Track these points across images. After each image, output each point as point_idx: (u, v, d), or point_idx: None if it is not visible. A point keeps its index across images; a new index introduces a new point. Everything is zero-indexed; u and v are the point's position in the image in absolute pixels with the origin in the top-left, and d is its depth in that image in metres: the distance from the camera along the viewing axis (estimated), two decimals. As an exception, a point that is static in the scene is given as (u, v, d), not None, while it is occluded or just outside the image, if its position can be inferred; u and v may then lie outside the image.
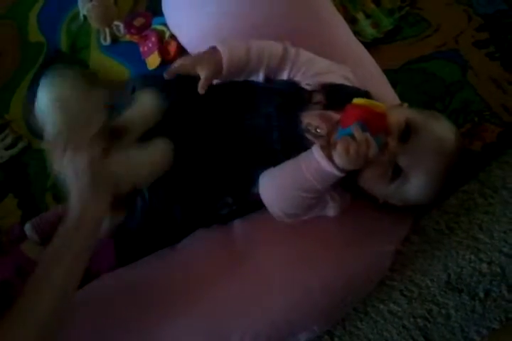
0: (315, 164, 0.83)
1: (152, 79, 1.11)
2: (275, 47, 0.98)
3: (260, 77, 1.00)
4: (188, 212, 1.00)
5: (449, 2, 1.41)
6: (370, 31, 1.34)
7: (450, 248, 1.07)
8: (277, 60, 0.98)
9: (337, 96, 0.95)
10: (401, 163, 0.86)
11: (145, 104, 0.89)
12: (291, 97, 0.95)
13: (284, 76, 1.00)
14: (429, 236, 1.09)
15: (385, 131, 0.84)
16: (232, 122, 0.96)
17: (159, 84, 1.08)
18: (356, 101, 0.85)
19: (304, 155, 0.86)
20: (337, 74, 1.00)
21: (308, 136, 0.91)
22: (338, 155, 0.80)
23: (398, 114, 0.89)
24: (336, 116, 0.91)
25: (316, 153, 0.83)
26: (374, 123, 0.82)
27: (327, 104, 0.94)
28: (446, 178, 0.89)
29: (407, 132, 0.86)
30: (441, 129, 0.91)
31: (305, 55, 1.00)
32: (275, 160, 0.91)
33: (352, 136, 0.80)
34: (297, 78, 1.00)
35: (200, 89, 0.93)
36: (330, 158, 0.81)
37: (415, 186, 0.88)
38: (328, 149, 0.82)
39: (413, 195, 0.89)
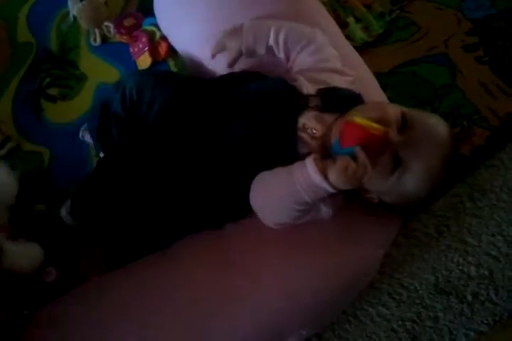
0: (307, 178, 0.80)
1: (146, 77, 1.11)
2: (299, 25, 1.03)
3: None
4: (178, 222, 1.01)
5: (439, 6, 1.42)
6: (360, 35, 1.34)
7: (438, 251, 1.08)
8: (298, 34, 1.01)
9: (332, 99, 0.95)
10: (400, 153, 0.86)
11: None
12: (290, 102, 0.95)
13: (295, 51, 1.02)
14: (417, 239, 1.10)
15: (381, 154, 0.85)
16: (225, 128, 0.96)
17: (152, 82, 1.09)
18: (358, 120, 0.83)
19: (296, 166, 0.84)
20: (338, 64, 1.02)
21: (303, 136, 0.92)
22: (335, 173, 0.78)
23: (394, 107, 0.91)
24: (330, 119, 0.92)
25: (309, 166, 0.80)
26: (372, 147, 0.81)
27: (322, 108, 0.95)
28: (444, 171, 0.90)
29: (404, 124, 0.88)
30: (435, 121, 0.93)
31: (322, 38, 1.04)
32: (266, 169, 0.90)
33: (353, 157, 0.79)
34: (303, 58, 1.02)
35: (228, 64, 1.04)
36: (323, 173, 0.79)
37: (414, 176, 0.87)
38: (321, 163, 0.81)
39: (412, 187, 0.89)
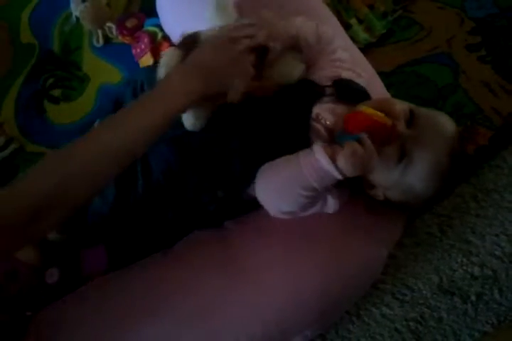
0: (314, 162, 0.81)
1: (155, 71, 1.10)
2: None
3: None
4: (178, 204, 1.00)
5: (441, 6, 1.42)
6: (363, 36, 1.34)
7: (442, 251, 1.07)
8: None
9: (345, 89, 0.97)
10: (407, 146, 0.87)
11: None
12: (307, 90, 0.96)
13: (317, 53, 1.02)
14: (421, 239, 1.09)
15: (386, 144, 0.85)
16: (240, 113, 0.96)
17: None
18: (365, 109, 0.84)
19: (304, 152, 0.85)
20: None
21: (316, 126, 0.92)
22: (343, 157, 0.79)
23: (402, 103, 0.92)
24: (343, 111, 0.93)
25: (317, 151, 0.81)
26: (378, 136, 0.82)
27: (337, 97, 0.96)
28: (450, 167, 0.89)
29: (412, 119, 0.88)
30: (442, 117, 0.94)
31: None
32: (275, 156, 0.90)
33: (360, 143, 0.80)
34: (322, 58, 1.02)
35: None
36: (331, 157, 0.80)
37: (420, 168, 0.88)
38: (329, 148, 0.82)
39: (417, 181, 0.89)
